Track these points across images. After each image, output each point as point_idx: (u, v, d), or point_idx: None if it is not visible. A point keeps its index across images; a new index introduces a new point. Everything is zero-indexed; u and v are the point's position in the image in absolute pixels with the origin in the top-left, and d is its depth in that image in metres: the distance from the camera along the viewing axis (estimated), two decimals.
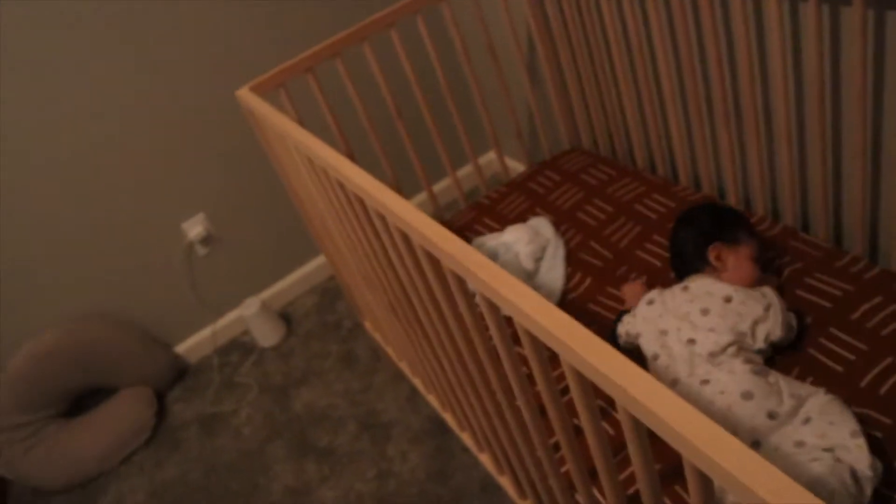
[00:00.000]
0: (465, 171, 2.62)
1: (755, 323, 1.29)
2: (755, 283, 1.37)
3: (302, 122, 1.80)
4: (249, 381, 2.34)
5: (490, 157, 2.70)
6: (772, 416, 1.15)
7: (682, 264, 1.46)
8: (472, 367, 1.21)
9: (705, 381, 1.22)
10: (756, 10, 1.43)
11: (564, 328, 0.77)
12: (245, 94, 1.70)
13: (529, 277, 1.70)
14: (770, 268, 1.49)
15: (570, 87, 2.03)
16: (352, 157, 1.90)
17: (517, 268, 1.69)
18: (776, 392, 1.18)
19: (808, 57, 1.37)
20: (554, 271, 1.70)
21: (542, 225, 1.80)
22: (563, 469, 1.28)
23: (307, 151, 1.35)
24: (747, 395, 1.17)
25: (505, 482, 1.57)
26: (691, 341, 1.28)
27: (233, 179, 2.35)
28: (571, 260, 1.73)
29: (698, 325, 1.29)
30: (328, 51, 1.79)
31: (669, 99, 1.72)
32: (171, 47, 2.08)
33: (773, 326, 1.29)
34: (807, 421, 1.14)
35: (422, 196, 2.59)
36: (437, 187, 2.57)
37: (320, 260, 2.60)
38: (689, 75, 1.62)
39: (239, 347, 2.50)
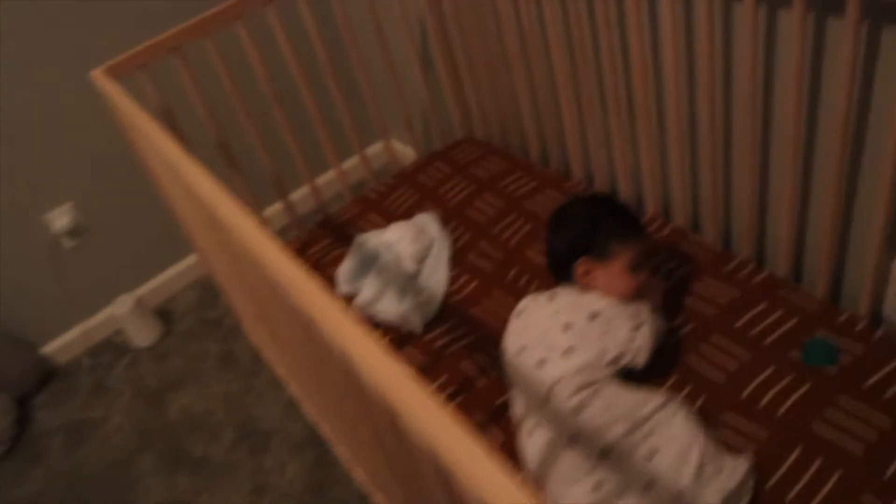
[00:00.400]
0: (353, 161, 2.49)
1: (618, 346, 1.19)
2: (633, 296, 1.26)
3: (168, 109, 1.64)
4: (122, 385, 2.16)
5: (380, 146, 2.57)
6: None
7: (555, 270, 1.35)
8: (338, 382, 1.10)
9: (538, 426, 1.15)
10: (651, 4, 1.35)
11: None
12: (99, 77, 1.52)
13: (411, 280, 1.59)
14: (658, 272, 1.43)
15: (463, 75, 1.93)
16: (226, 147, 1.74)
17: (398, 270, 1.58)
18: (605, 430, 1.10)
19: (699, 55, 1.30)
20: (437, 274, 1.60)
21: (427, 222, 1.70)
22: None
23: (153, 145, 1.20)
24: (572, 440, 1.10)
25: (380, 499, 1.47)
26: (542, 362, 1.19)
27: (104, 167, 2.14)
28: (458, 261, 1.63)
29: (554, 345, 1.19)
30: (197, 29, 1.63)
31: (563, 91, 1.63)
32: (20, 18, 1.86)
33: (637, 354, 1.20)
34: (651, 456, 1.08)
35: (305, 189, 2.40)
36: (324, 179, 2.42)
37: None
38: (583, 68, 1.54)
39: (112, 348, 2.31)
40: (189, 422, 1.98)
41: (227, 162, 1.75)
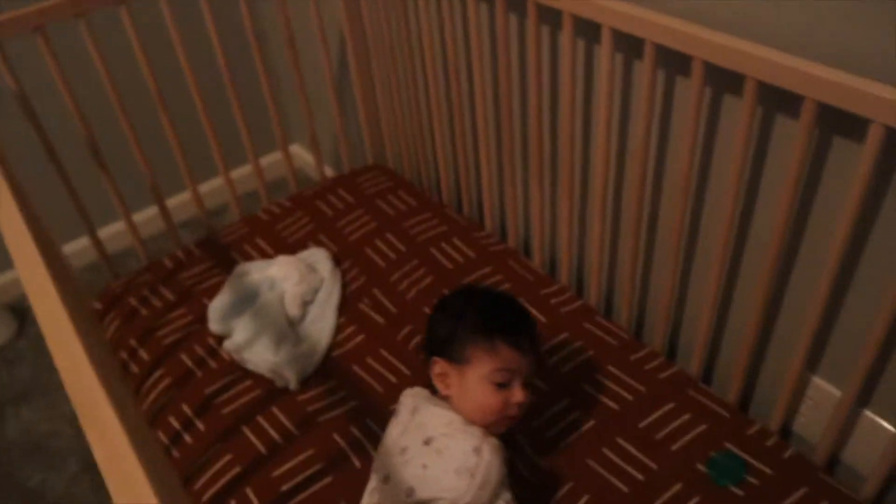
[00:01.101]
0: (245, 170, 2.25)
1: (431, 490, 0.96)
2: (491, 416, 1.03)
3: (25, 97, 1.40)
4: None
5: (275, 157, 2.37)
6: None
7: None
8: None
9: None
10: (587, 64, 1.22)
11: None
12: None
13: (292, 325, 1.41)
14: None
15: (380, 97, 1.75)
16: (93, 143, 1.51)
17: (279, 312, 1.40)
18: None
19: (634, 125, 1.17)
20: (322, 322, 1.42)
21: (319, 260, 1.52)
22: None
23: None
24: None
25: None
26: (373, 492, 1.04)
27: None
28: (347, 308, 1.45)
29: (386, 465, 1.03)
30: (70, 7, 1.40)
31: (483, 137, 1.49)
32: None
33: (457, 498, 0.94)
34: None
35: (185, 196, 2.17)
36: (209, 185, 2.16)
37: (75, 244, 2.16)
38: (507, 116, 1.39)
39: None
40: (29, 443, 1.74)
41: (95, 159, 1.52)
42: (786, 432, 1.21)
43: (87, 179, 1.53)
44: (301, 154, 2.41)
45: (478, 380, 1.02)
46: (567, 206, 1.37)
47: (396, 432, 1.07)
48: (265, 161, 2.07)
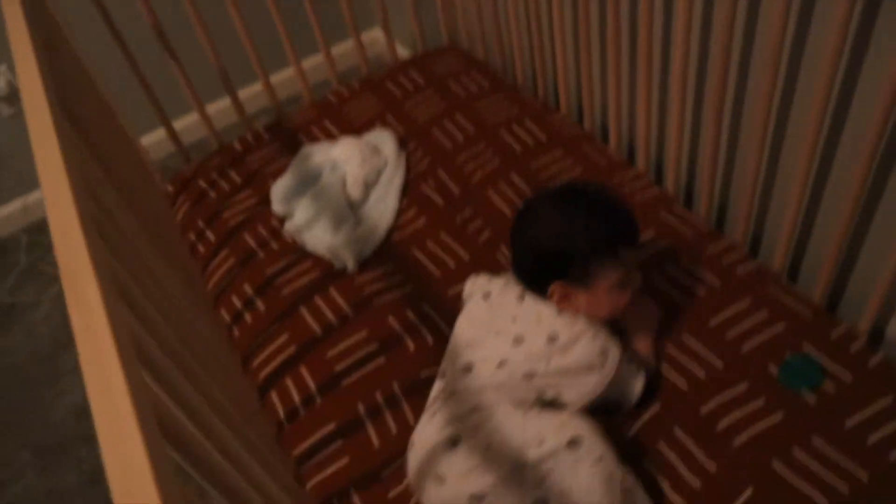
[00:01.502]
0: (317, 59, 2.12)
1: (560, 384, 0.95)
2: (619, 314, 1.01)
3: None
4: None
5: (377, 34, 2.29)
6: None
7: (525, 282, 1.02)
8: None
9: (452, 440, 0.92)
10: None
11: None
12: None
13: (354, 207, 1.37)
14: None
15: None
16: (160, 31, 1.48)
17: (339, 194, 1.36)
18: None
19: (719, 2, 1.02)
20: (384, 202, 1.37)
21: (383, 141, 1.46)
22: None
23: None
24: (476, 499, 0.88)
25: None
26: (468, 367, 0.99)
27: None
28: (410, 191, 1.40)
29: (493, 355, 0.98)
30: None
31: (558, 15, 1.36)
32: None
33: (577, 398, 0.95)
34: None
35: (257, 86, 2.04)
36: (280, 76, 2.03)
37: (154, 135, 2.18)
38: None
39: None
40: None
41: (163, 46, 1.50)
42: (877, 337, 1.08)
43: (160, 70, 1.51)
44: (377, 40, 2.32)
45: (607, 290, 0.97)
46: (645, 86, 1.24)
47: (507, 311, 1.02)
48: (338, 49, 1.99)
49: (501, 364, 0.96)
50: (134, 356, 0.54)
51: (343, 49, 2.03)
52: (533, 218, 1.00)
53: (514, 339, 0.98)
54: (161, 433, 0.51)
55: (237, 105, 1.64)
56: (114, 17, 1.42)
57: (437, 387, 1.03)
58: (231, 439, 0.69)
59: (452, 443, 0.91)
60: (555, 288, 0.96)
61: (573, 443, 0.87)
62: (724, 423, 0.98)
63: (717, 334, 1.07)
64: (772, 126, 1.09)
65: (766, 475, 0.93)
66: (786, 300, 1.09)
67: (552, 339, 0.96)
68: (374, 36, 2.32)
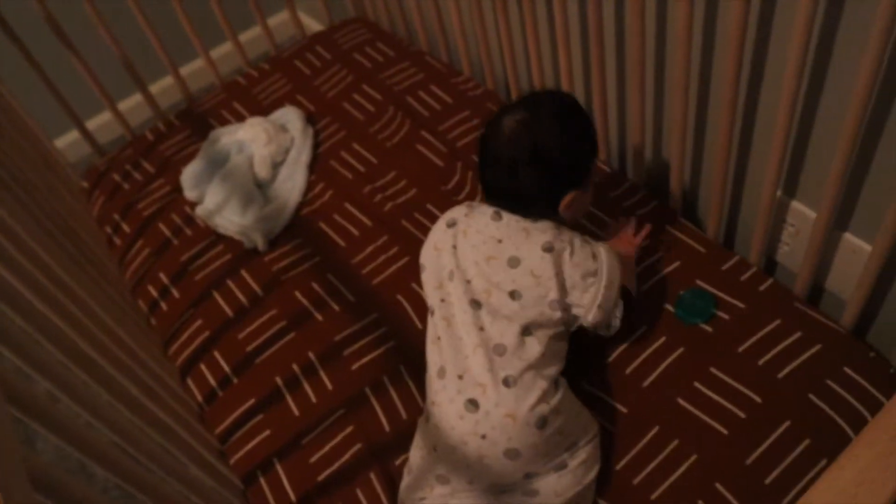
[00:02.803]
0: (227, 48, 2.00)
1: (570, 293, 0.91)
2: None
3: None
4: None
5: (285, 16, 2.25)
6: (529, 475, 0.88)
7: (516, 203, 0.95)
8: None
9: (471, 402, 0.85)
10: None
11: None
12: None
13: (262, 187, 1.37)
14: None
15: None
16: (55, 24, 1.45)
17: (246, 175, 1.36)
18: (550, 449, 0.87)
19: None
20: (292, 180, 1.38)
21: (290, 119, 1.46)
22: None
23: None
24: (512, 455, 0.85)
25: None
26: (475, 304, 0.91)
27: None
28: (319, 166, 1.40)
29: (495, 284, 0.91)
30: None
31: None
32: None
33: (589, 304, 0.92)
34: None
35: (168, 80, 1.82)
36: (190, 68, 1.94)
37: (69, 137, 2.15)
38: None
39: None
40: None
41: (63, 44, 1.47)
42: (771, 264, 1.11)
43: (69, 71, 1.49)
44: (288, 21, 2.30)
45: (592, 187, 0.99)
46: (533, 35, 1.24)
47: (486, 234, 0.94)
48: (249, 35, 1.96)
49: (513, 295, 0.90)
50: None
51: (254, 34, 2.00)
52: (534, 133, 0.91)
53: (509, 260, 0.92)
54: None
55: (149, 99, 1.62)
56: (6, 15, 1.39)
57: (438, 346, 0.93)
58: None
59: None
60: (572, 196, 0.94)
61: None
62: (631, 367, 1.01)
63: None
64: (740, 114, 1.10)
65: (670, 411, 0.96)
66: (680, 236, 1.12)
67: (547, 249, 0.91)
68: (284, 18, 2.29)
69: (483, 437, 0.84)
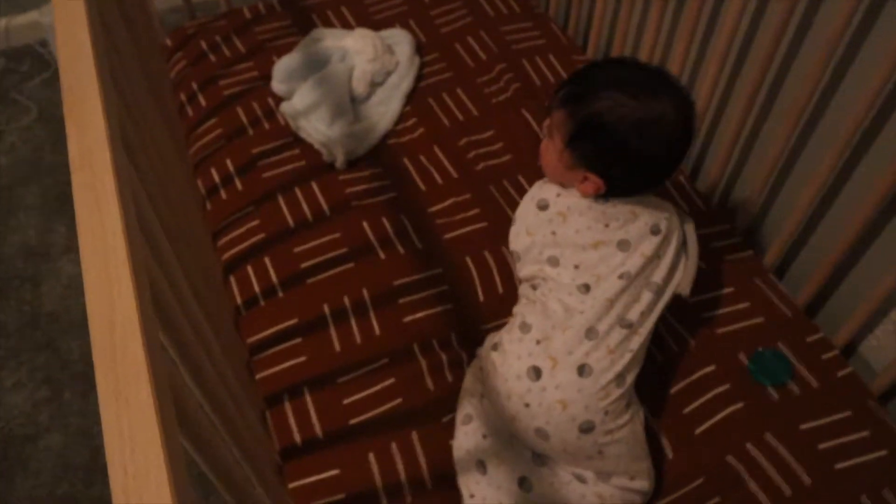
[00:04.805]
0: None
1: (674, 273, 0.91)
2: None
3: None
4: (30, 103, 1.91)
5: None
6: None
7: (640, 188, 0.91)
8: None
9: (535, 370, 0.84)
10: None
11: None
12: None
13: (354, 102, 1.31)
14: None
15: None
16: None
17: (343, 85, 1.30)
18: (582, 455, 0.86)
19: None
20: (386, 106, 1.31)
21: (400, 42, 1.38)
22: None
23: None
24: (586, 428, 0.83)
25: None
26: (584, 288, 0.87)
27: None
28: (416, 99, 1.34)
29: (608, 269, 0.88)
30: None
31: None
32: None
33: (688, 282, 0.92)
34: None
35: None
36: None
37: None
38: None
39: (34, 57, 2.03)
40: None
41: None
42: (850, 350, 1.07)
43: None
44: None
45: None
46: (683, 46, 1.18)
47: (590, 217, 0.90)
48: None
49: (623, 276, 0.87)
50: (134, 215, 0.49)
51: None
52: (689, 109, 0.86)
53: (619, 244, 0.88)
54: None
55: None
56: None
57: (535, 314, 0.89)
58: (198, 312, 0.65)
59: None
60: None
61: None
62: (690, 408, 0.97)
63: (695, 314, 1.05)
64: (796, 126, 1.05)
65: (718, 466, 0.92)
66: (769, 295, 1.08)
67: (655, 231, 0.89)
68: None
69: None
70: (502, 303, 1.06)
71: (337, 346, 1.03)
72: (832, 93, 1.00)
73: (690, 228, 0.95)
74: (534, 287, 0.91)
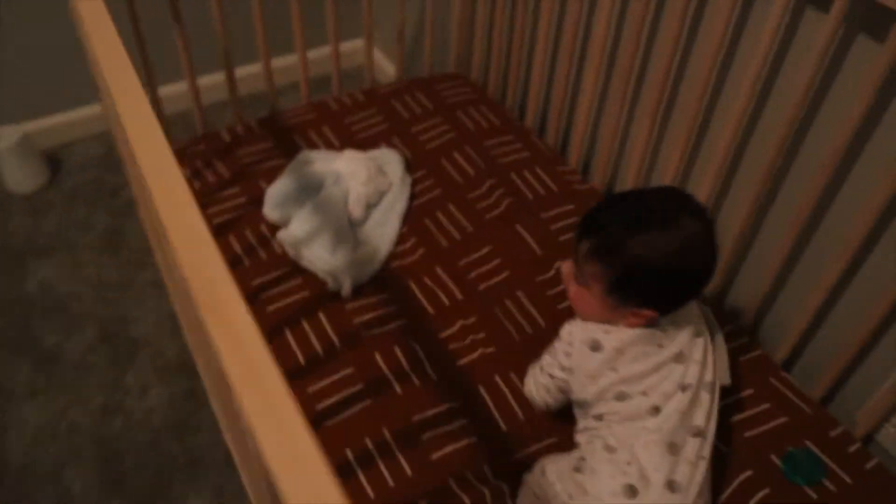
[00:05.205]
0: (321, 52, 2.07)
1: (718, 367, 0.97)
2: None
3: None
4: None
5: (357, 44, 2.22)
6: None
7: (681, 299, 0.94)
8: None
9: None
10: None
11: None
12: None
13: (353, 227, 1.31)
14: None
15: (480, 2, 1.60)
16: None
17: (341, 210, 1.29)
18: None
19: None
20: (384, 228, 1.31)
21: (390, 161, 1.40)
22: None
23: None
24: None
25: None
26: (655, 411, 0.90)
27: None
28: (411, 219, 1.35)
29: (673, 387, 0.91)
30: None
31: (592, 67, 1.35)
32: None
33: (724, 370, 0.98)
34: None
35: (255, 67, 1.97)
36: (281, 62, 2.00)
37: None
38: (627, 53, 1.25)
39: None
40: (48, 301, 1.66)
41: (171, 12, 1.39)
42: (867, 439, 1.12)
43: (154, 29, 1.40)
44: (376, 53, 2.26)
45: None
46: (678, 155, 1.24)
47: (660, 359, 0.92)
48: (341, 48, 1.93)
49: (686, 388, 0.91)
50: None
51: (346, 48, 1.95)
52: (689, 233, 0.88)
53: (675, 358, 0.92)
54: None
55: (231, 82, 1.53)
56: None
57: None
58: None
59: None
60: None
61: None
62: None
63: (721, 423, 1.07)
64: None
65: None
66: (786, 393, 1.11)
67: (698, 335, 0.95)
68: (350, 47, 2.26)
69: None
70: (524, 428, 1.06)
71: (371, 494, 0.99)
72: (835, 192, 1.07)
73: (710, 316, 1.00)
74: (600, 418, 0.92)
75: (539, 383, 1.02)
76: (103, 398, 1.49)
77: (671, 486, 0.85)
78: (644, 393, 0.90)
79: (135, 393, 1.50)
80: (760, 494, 1.00)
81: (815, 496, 1.00)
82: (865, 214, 0.99)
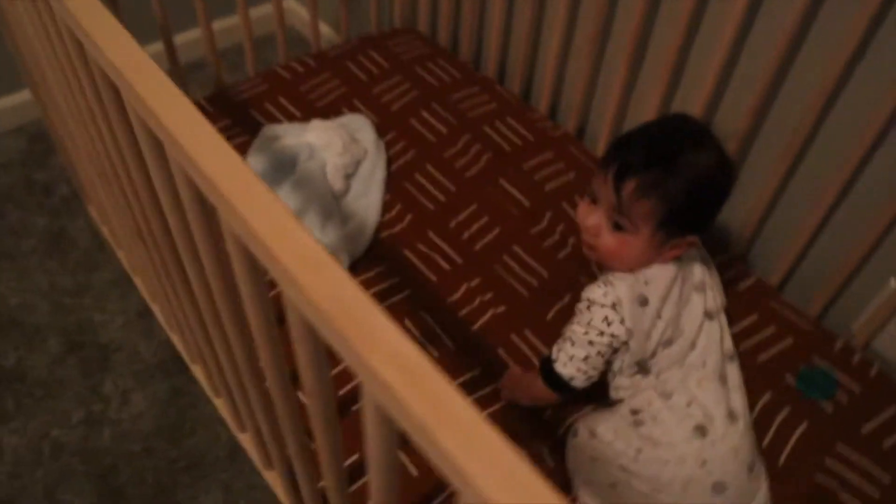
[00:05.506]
0: (260, 10, 1.95)
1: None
2: None
3: None
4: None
5: (292, 4, 2.11)
6: None
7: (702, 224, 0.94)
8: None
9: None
10: None
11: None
12: None
13: (336, 199, 1.26)
14: None
15: None
16: None
17: (323, 184, 1.24)
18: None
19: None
20: (366, 198, 1.27)
21: (360, 127, 1.35)
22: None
23: None
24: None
25: (246, 442, 1.16)
26: (692, 346, 0.94)
27: None
28: (392, 184, 1.31)
29: (696, 316, 0.95)
30: None
31: (560, 12, 1.32)
32: None
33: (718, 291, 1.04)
34: None
35: (194, 32, 1.85)
36: (219, 24, 1.89)
37: None
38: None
39: None
40: (1, 318, 1.54)
41: None
42: (866, 349, 1.17)
43: None
44: (294, 9, 2.15)
45: None
46: (660, 88, 1.23)
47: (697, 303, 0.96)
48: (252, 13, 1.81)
49: (707, 313, 0.96)
50: None
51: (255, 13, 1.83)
52: (717, 145, 0.91)
53: (695, 289, 0.96)
54: None
55: (170, 51, 1.42)
56: None
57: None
58: None
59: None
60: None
61: None
62: (768, 438, 1.01)
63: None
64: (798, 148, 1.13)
65: (812, 488, 0.97)
66: (790, 317, 1.15)
67: (704, 261, 1.00)
68: (288, 5, 2.14)
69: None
70: None
71: (414, 472, 0.97)
72: (832, 108, 1.09)
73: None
74: (645, 370, 0.92)
75: (576, 357, 0.91)
76: (83, 412, 1.40)
77: (731, 416, 0.88)
78: (681, 331, 0.92)
79: (116, 401, 1.42)
80: (783, 414, 1.04)
81: (830, 409, 1.05)
82: (866, 129, 1.00)
